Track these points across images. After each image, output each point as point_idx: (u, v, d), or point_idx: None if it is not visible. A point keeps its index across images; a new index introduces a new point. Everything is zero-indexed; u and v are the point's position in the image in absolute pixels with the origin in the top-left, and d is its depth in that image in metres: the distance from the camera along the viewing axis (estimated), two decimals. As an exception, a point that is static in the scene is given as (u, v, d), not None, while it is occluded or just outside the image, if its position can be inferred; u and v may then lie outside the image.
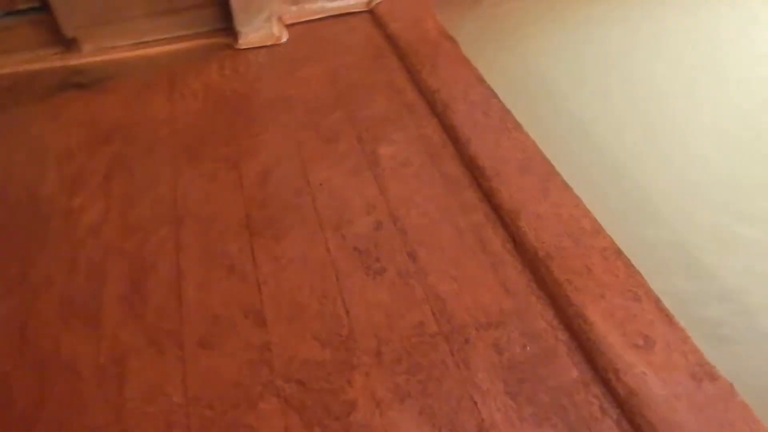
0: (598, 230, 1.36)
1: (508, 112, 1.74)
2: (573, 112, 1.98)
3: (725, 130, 1.86)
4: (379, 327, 1.23)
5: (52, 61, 2.12)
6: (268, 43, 2.16)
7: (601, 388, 1.10)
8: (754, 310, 1.42)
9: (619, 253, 1.30)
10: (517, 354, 1.17)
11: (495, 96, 1.80)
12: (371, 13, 2.30)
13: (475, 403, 1.10)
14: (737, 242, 1.55)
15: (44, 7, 2.05)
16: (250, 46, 2.15)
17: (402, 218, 1.47)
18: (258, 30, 2.14)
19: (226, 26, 2.20)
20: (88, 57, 2.13)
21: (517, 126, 1.68)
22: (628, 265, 1.28)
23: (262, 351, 1.20)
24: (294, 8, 2.24)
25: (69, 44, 2.13)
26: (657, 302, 1.20)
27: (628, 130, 1.88)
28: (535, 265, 1.31)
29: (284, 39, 2.17)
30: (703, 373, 1.07)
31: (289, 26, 2.22)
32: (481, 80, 1.87)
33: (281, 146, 1.72)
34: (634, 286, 1.23)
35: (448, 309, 1.26)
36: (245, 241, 1.43)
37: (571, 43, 2.26)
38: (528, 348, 1.17)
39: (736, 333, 1.37)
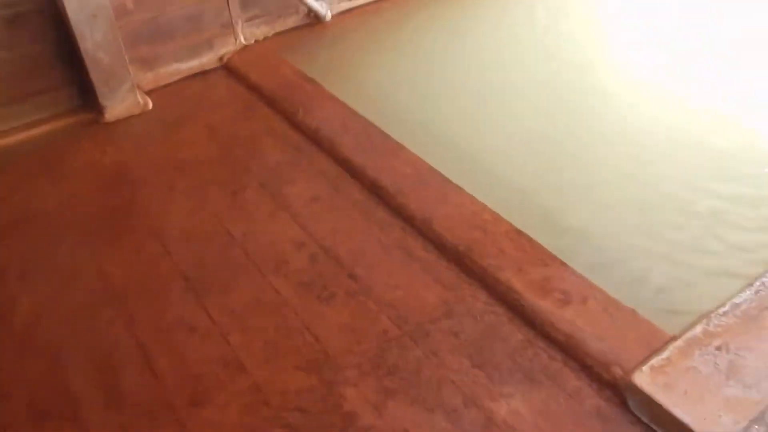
0: (496, 218, 1.63)
1: (387, 135, 1.97)
2: (430, 122, 2.24)
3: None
4: (349, 343, 1.38)
5: None
6: (135, 113, 2.18)
7: (544, 341, 1.36)
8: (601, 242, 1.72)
9: (519, 232, 1.59)
10: (470, 333, 1.39)
11: (371, 123, 2.02)
12: (225, 68, 2.41)
13: (453, 382, 1.30)
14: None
15: None
16: (118, 118, 2.16)
17: (331, 247, 1.62)
18: (123, 101, 2.16)
19: (85, 103, 2.18)
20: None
21: (400, 146, 1.92)
22: (530, 239, 1.56)
23: (254, 393, 1.29)
24: (150, 74, 2.28)
25: None
26: (561, 263, 1.49)
27: (478, 121, 2.17)
28: (459, 259, 1.55)
29: (150, 106, 2.21)
30: (613, 307, 1.37)
31: (149, 93, 2.26)
32: (353, 112, 2.09)
33: (191, 208, 1.78)
34: (540, 254, 1.52)
35: (402, 313, 1.44)
36: (194, 302, 1.50)
37: (410, 63, 2.54)
38: (477, 324, 1.40)
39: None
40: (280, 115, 2.15)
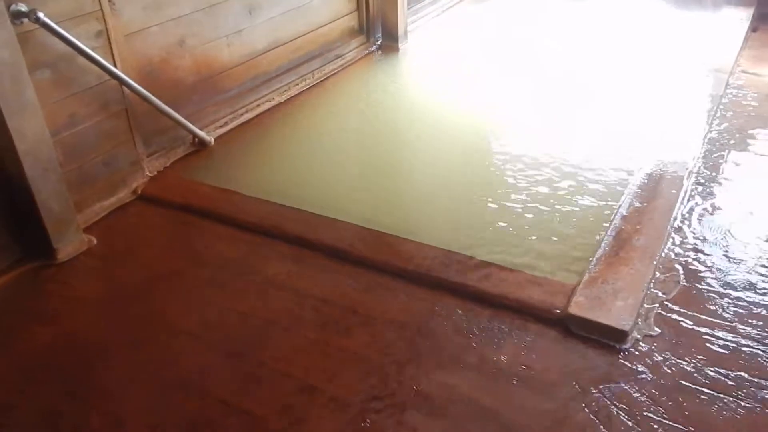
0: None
1: (299, 210, 2.53)
2: (311, 188, 2.85)
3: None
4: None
5: None
6: (83, 249, 2.42)
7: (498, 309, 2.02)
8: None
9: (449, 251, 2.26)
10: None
11: (284, 206, 2.56)
12: (142, 198, 2.74)
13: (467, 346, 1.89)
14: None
15: None
16: (70, 257, 2.37)
17: (315, 296, 2.12)
18: (72, 241, 2.38)
19: (27, 254, 2.35)
20: None
21: (297, 210, 2.49)
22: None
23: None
24: (80, 215, 2.52)
25: None
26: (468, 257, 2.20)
27: (329, 182, 2.93)
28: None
29: (95, 242, 2.46)
30: (515, 276, 2.11)
31: (86, 230, 2.50)
32: (267, 202, 2.61)
33: (183, 309, 2.13)
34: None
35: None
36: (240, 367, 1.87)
37: (281, 160, 3.12)
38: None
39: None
40: (221, 224, 2.56)
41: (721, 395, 1.70)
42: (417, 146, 3.28)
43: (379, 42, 4.42)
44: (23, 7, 2.12)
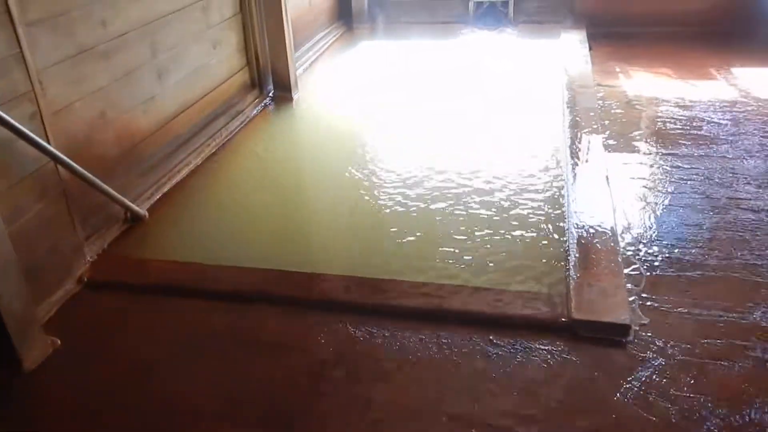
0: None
1: (246, 269, 2.50)
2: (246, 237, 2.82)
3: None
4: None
5: None
6: (50, 351, 2.17)
7: (502, 330, 2.16)
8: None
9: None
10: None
11: (234, 266, 2.52)
12: (90, 285, 2.52)
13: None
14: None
15: None
16: (36, 365, 2.12)
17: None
18: (37, 345, 2.13)
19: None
20: None
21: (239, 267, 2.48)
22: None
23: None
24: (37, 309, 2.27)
25: None
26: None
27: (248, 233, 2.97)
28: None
29: (59, 342, 2.22)
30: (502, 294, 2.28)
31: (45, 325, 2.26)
32: (220, 266, 2.55)
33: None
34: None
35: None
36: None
37: (214, 222, 3.04)
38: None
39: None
40: (175, 295, 2.43)
41: (720, 361, 1.99)
42: (326, 189, 3.38)
43: (271, 94, 4.44)
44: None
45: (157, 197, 3.13)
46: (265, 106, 4.34)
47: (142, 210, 2.93)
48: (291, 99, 4.45)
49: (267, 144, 3.89)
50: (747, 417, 1.80)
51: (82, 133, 2.66)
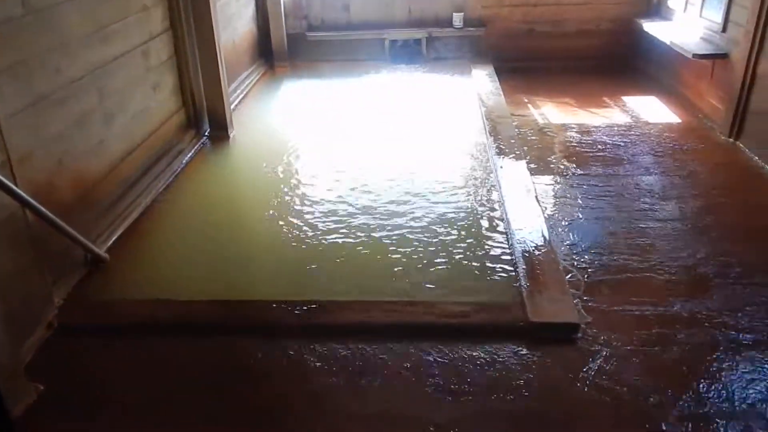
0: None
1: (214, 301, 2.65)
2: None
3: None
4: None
5: None
6: (35, 398, 2.18)
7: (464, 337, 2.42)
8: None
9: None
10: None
11: (198, 300, 2.65)
12: (62, 330, 2.53)
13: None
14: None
15: None
16: (22, 411, 2.13)
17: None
18: (22, 391, 2.14)
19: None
20: None
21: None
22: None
23: None
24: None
25: None
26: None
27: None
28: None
29: (41, 387, 2.23)
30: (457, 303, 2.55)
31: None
32: (190, 301, 2.66)
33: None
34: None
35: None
36: None
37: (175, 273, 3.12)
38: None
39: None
40: (151, 333, 2.52)
41: (655, 347, 2.34)
42: (261, 221, 3.51)
43: (207, 133, 4.53)
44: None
45: (113, 239, 3.15)
46: (203, 145, 4.42)
47: (103, 253, 2.96)
48: (227, 137, 4.55)
49: (209, 181, 3.97)
50: (682, 391, 2.15)
51: (43, 179, 2.68)
